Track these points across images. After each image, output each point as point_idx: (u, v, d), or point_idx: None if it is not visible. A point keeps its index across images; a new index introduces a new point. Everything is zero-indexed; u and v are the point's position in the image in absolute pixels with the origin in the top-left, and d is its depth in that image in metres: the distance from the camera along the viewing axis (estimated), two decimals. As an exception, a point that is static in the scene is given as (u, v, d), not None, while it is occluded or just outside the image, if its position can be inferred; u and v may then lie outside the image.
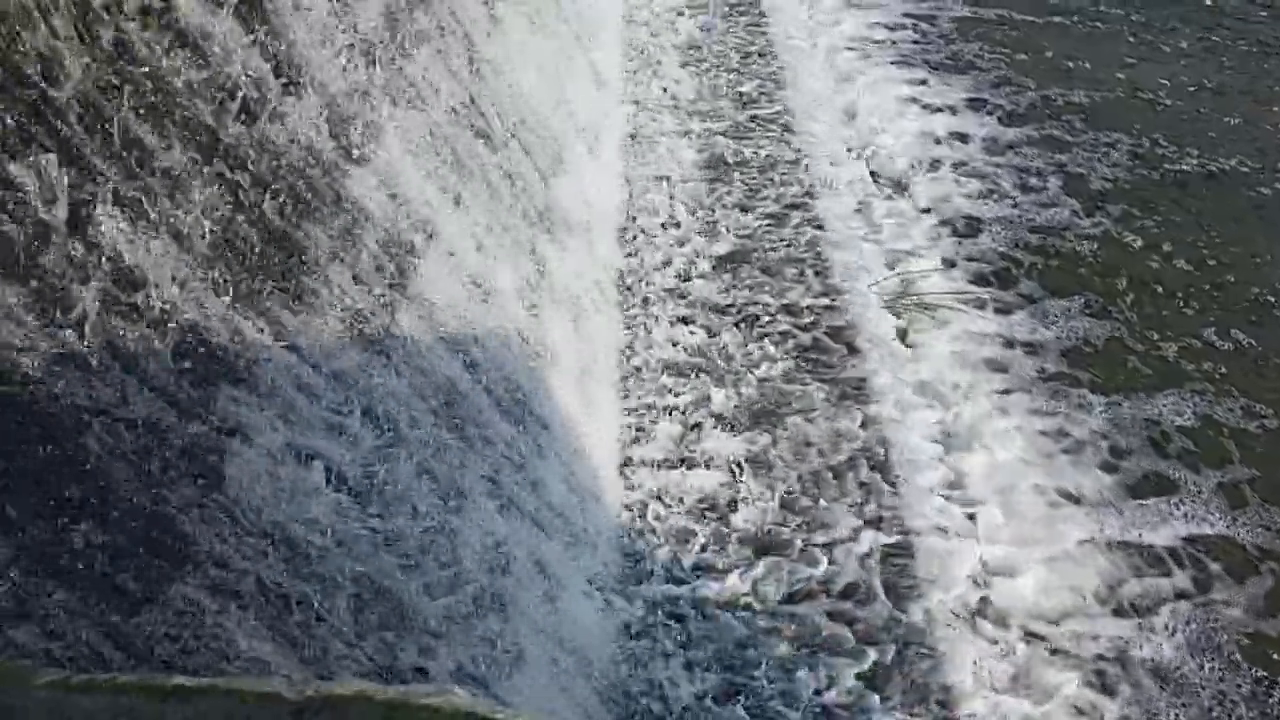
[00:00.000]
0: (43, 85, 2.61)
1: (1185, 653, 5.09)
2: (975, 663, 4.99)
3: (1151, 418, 6.47)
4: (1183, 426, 6.44)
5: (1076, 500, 5.92)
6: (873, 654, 4.96)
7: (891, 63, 11.02)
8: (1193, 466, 6.16)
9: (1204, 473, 6.11)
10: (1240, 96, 10.42)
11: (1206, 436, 6.38)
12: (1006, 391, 6.67)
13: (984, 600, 5.31)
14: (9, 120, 2.52)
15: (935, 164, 9.19)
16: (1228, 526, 5.79)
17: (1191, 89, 10.53)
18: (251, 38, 3.58)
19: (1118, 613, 5.31)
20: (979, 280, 7.73)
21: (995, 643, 5.08)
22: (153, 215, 2.87)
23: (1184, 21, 12.02)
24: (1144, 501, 5.90)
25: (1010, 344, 7.10)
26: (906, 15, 12.11)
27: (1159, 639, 5.16)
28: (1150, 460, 6.19)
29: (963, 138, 9.58)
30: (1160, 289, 7.66)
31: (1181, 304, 7.52)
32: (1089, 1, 12.40)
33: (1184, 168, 9.15)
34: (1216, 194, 8.84)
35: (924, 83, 10.52)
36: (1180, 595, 5.41)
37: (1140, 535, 5.72)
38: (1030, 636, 5.16)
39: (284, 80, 3.73)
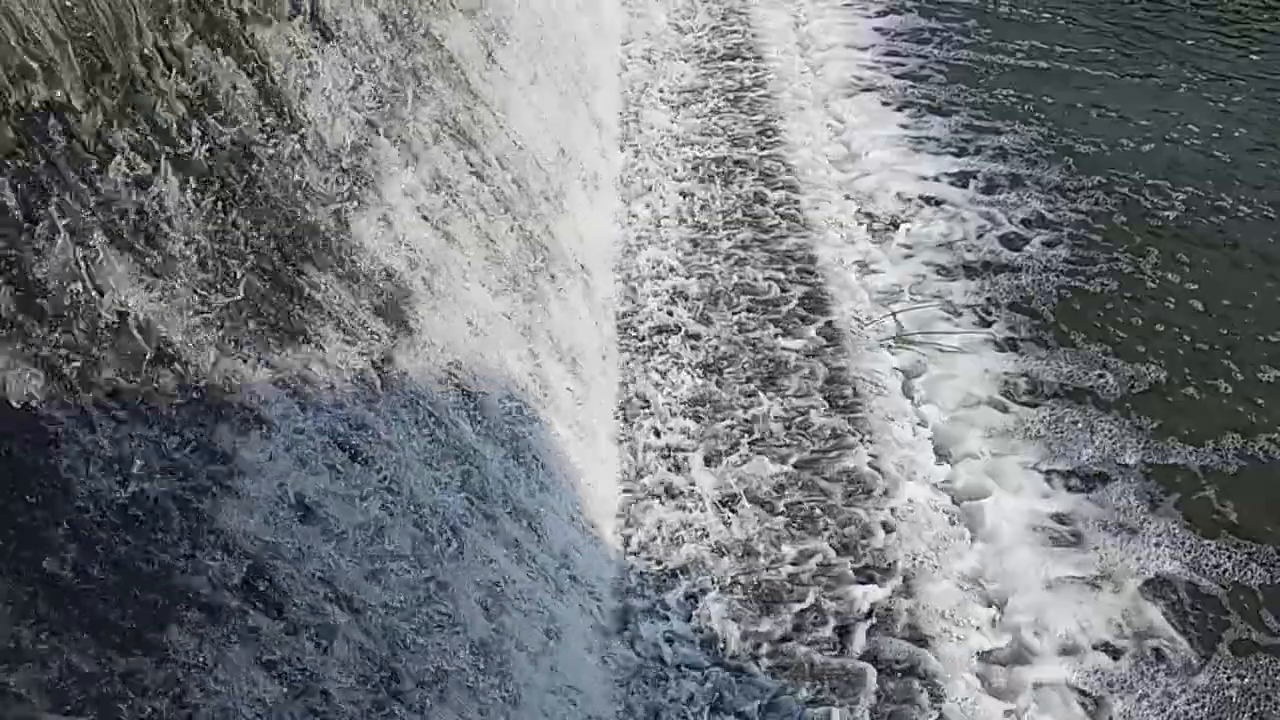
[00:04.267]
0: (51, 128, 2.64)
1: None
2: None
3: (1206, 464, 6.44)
4: (1249, 466, 6.40)
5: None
6: None
7: (899, 107, 11.16)
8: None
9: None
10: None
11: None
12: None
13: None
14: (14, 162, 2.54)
15: (936, 202, 9.27)
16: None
17: (1239, 141, 10.64)
18: (254, 84, 3.63)
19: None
20: (1019, 333, 7.66)
21: None
22: (157, 259, 2.89)
23: (1239, 75, 12.20)
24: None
25: (1059, 391, 7.05)
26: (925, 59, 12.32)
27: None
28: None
29: (992, 184, 9.60)
30: (1202, 335, 7.66)
31: (1224, 349, 7.49)
32: (1134, 57, 12.56)
33: (1236, 217, 9.21)
34: (1265, 242, 8.89)
35: (936, 125, 10.69)
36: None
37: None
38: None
39: (287, 127, 3.78)
